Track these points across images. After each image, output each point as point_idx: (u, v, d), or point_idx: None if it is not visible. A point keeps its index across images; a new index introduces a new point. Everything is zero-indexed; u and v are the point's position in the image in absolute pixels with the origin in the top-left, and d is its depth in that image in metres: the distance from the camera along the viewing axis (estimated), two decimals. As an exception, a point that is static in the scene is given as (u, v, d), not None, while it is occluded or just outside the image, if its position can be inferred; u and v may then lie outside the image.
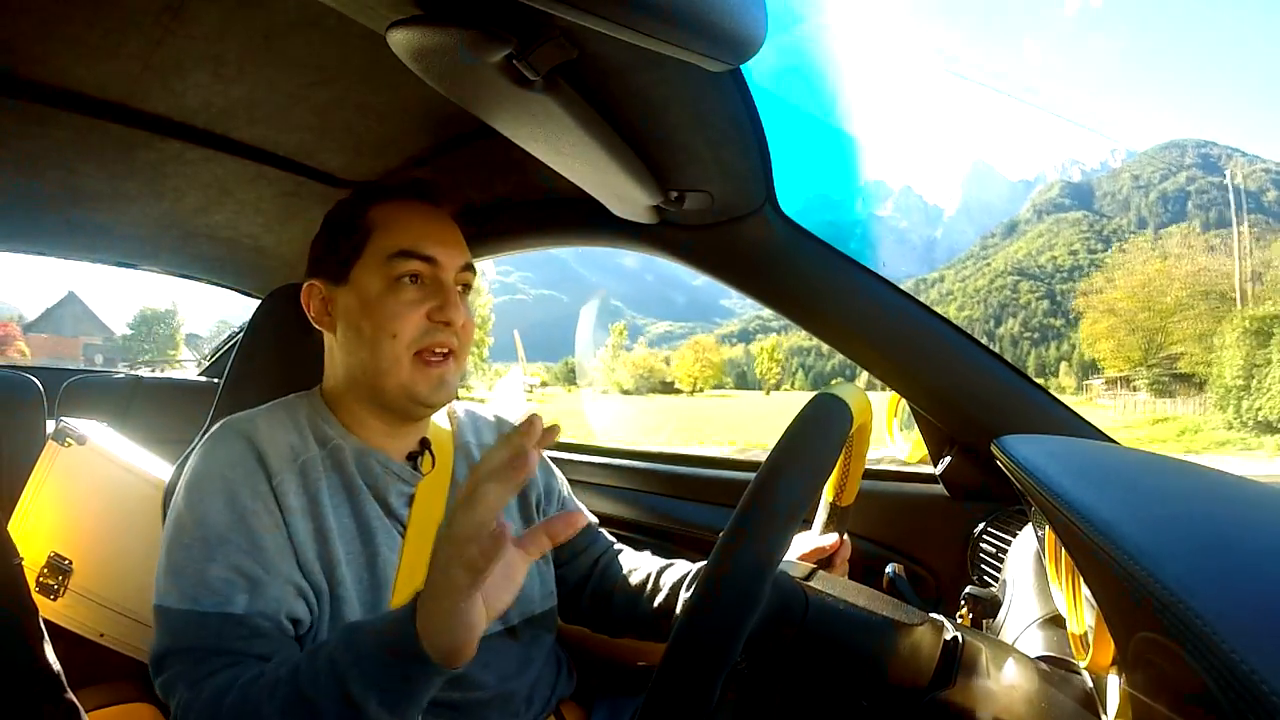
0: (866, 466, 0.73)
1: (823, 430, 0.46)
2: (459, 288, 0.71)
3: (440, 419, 0.80)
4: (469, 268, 0.73)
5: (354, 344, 0.69)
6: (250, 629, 0.58)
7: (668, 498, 1.25)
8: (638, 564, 0.84)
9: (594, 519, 0.89)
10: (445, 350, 0.69)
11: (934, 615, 0.53)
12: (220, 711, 0.53)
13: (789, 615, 0.48)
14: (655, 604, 0.78)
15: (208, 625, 0.58)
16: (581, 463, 1.38)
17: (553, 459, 0.92)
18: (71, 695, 0.76)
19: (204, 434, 0.71)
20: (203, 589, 0.58)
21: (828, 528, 0.75)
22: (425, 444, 0.75)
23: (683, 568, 0.81)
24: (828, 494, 0.74)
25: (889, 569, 0.77)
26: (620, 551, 0.88)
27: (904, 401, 0.99)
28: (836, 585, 0.53)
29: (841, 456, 0.69)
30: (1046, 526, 0.66)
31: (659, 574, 0.81)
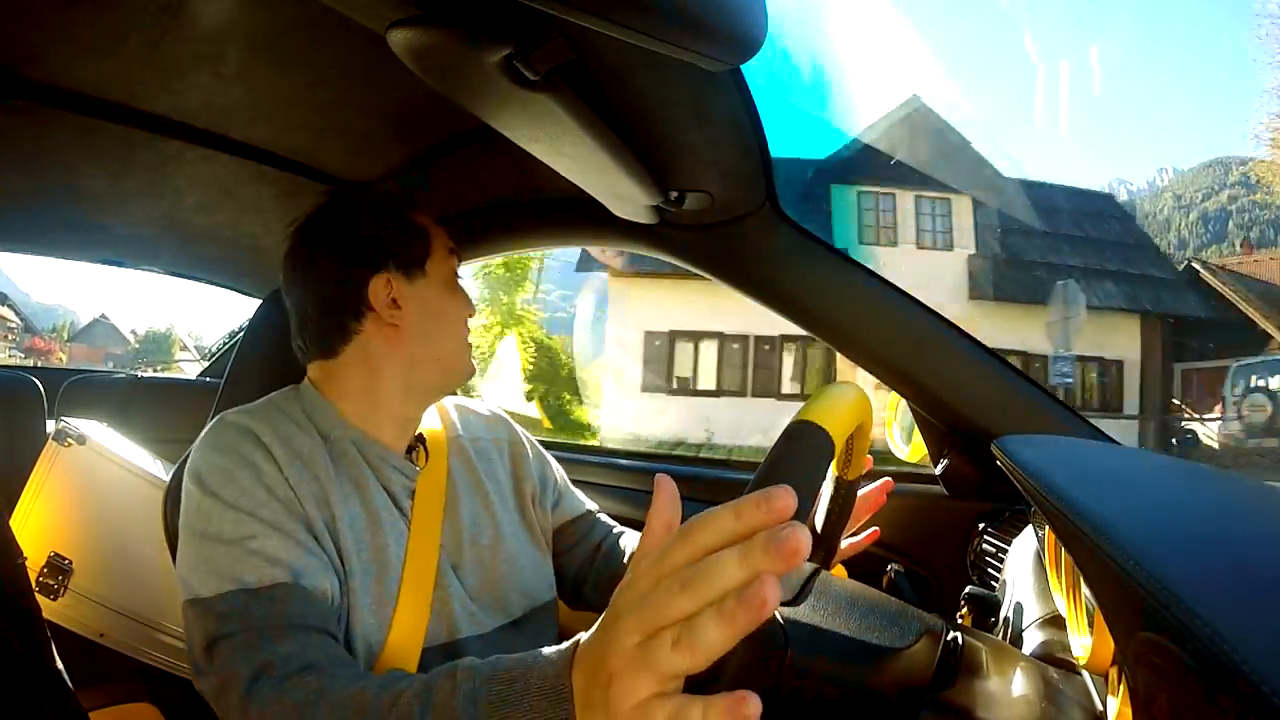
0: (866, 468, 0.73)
1: (799, 465, 0.41)
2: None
3: (429, 415, 0.80)
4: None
5: (429, 331, 0.73)
6: (303, 596, 0.57)
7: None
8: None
9: (594, 506, 0.89)
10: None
11: (933, 616, 0.53)
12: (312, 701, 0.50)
13: (770, 654, 0.45)
14: None
15: (258, 601, 0.55)
16: (581, 462, 1.38)
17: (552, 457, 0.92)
18: (74, 695, 0.76)
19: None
20: (244, 567, 0.57)
21: (834, 502, 0.74)
22: (421, 439, 0.76)
23: None
24: (833, 469, 0.73)
25: (889, 569, 0.77)
26: (621, 534, 0.87)
27: (904, 401, 0.99)
28: (840, 589, 0.53)
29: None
30: (1046, 527, 0.66)
31: None
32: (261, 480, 0.62)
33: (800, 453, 0.42)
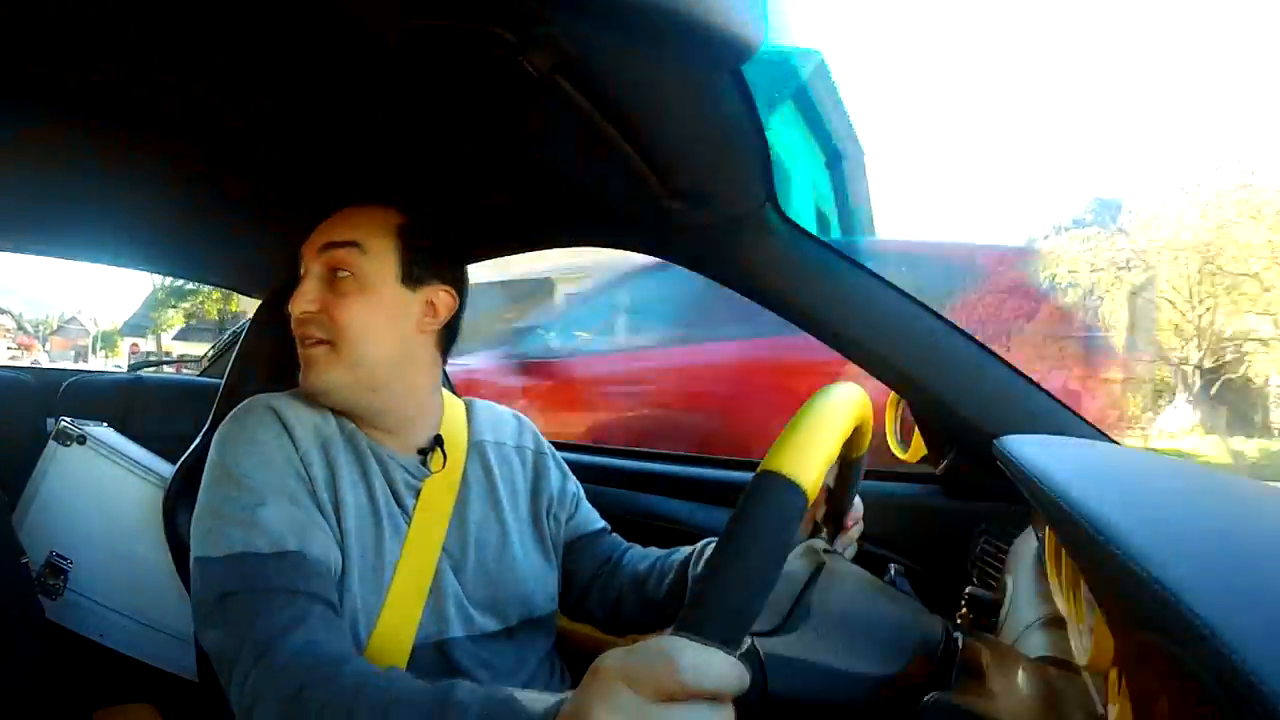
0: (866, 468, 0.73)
1: (765, 533, 0.38)
2: (330, 271, 0.71)
3: (455, 415, 0.80)
4: (333, 246, 0.71)
5: None
6: (308, 567, 0.59)
7: (668, 498, 1.25)
8: (646, 555, 0.84)
9: (605, 524, 0.89)
10: (310, 339, 0.70)
11: (933, 620, 0.53)
12: (299, 676, 0.51)
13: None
14: (663, 587, 0.77)
15: (265, 565, 0.58)
16: (582, 463, 1.37)
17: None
18: (74, 695, 0.76)
19: (209, 426, 0.72)
20: (255, 531, 0.59)
21: (840, 479, 0.74)
22: (438, 441, 0.75)
23: (688, 549, 0.80)
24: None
25: (889, 569, 0.77)
26: (629, 549, 0.87)
27: (904, 401, 0.99)
28: (834, 605, 0.53)
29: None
30: (1046, 526, 0.66)
31: (665, 559, 0.81)
32: (279, 454, 0.65)
33: (767, 515, 0.39)
